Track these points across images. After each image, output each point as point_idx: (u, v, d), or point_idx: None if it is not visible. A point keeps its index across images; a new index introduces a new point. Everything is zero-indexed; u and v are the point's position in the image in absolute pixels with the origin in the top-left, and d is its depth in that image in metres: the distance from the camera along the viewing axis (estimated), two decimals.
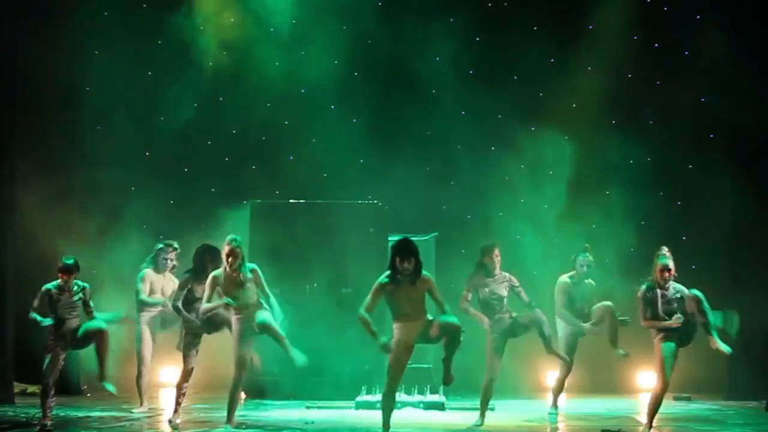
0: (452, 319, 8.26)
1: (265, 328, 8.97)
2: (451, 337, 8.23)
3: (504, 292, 9.87)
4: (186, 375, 9.85)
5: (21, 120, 12.31)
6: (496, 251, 9.97)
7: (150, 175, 13.69)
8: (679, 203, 13.78)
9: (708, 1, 13.48)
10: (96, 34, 13.60)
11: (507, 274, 9.98)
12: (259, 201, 12.80)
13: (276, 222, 12.52)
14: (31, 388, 12.38)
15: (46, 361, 9.30)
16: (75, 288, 9.39)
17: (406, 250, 8.28)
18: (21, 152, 12.30)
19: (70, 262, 9.43)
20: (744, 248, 13.10)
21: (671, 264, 8.99)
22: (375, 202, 12.75)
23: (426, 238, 12.75)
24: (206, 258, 9.83)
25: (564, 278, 10.52)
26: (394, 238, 12.41)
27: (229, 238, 9.11)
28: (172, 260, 10.65)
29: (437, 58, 13.79)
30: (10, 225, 11.87)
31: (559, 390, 10.45)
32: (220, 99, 13.93)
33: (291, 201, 12.97)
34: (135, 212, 13.47)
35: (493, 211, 13.69)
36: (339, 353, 11.98)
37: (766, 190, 13.03)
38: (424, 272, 8.37)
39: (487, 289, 9.85)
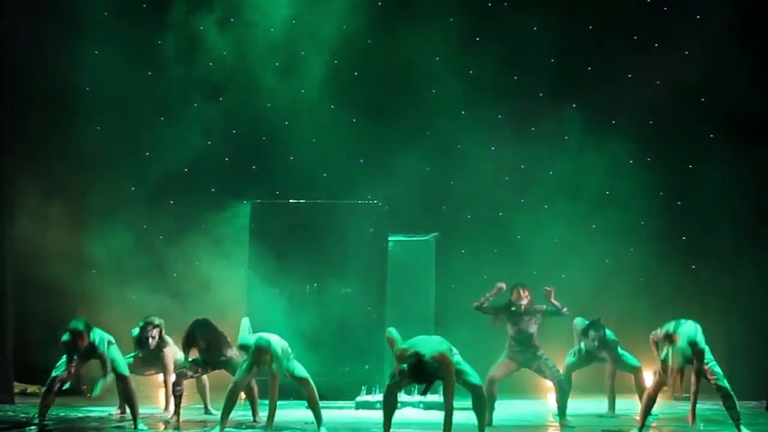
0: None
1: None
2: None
3: (533, 329, 9.87)
4: (180, 378, 9.89)
5: (19, 120, 12.30)
6: (520, 291, 9.90)
7: (150, 176, 13.68)
8: (679, 203, 13.78)
9: (708, 1, 13.47)
10: (96, 34, 13.59)
11: (535, 309, 9.91)
12: (259, 201, 12.79)
13: (276, 222, 12.51)
14: (31, 388, 12.38)
15: (61, 359, 9.26)
16: (99, 346, 9.20)
17: (419, 375, 8.15)
18: (20, 153, 12.29)
19: (79, 327, 9.16)
20: (745, 248, 13.09)
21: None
22: (375, 202, 12.75)
23: (426, 238, 12.76)
24: (196, 336, 9.83)
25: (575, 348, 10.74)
26: (394, 238, 12.53)
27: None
28: (154, 338, 10.58)
29: (437, 58, 13.79)
30: (10, 226, 11.85)
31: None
32: (220, 99, 13.93)
33: (291, 201, 12.96)
34: (135, 212, 13.48)
35: (493, 211, 13.69)
36: (339, 353, 11.99)
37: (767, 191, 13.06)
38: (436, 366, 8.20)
39: (516, 327, 9.87)
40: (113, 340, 9.39)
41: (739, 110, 13.02)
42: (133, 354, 10.60)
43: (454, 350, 8.54)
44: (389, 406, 8.47)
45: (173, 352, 10.65)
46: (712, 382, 8.89)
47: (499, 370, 9.94)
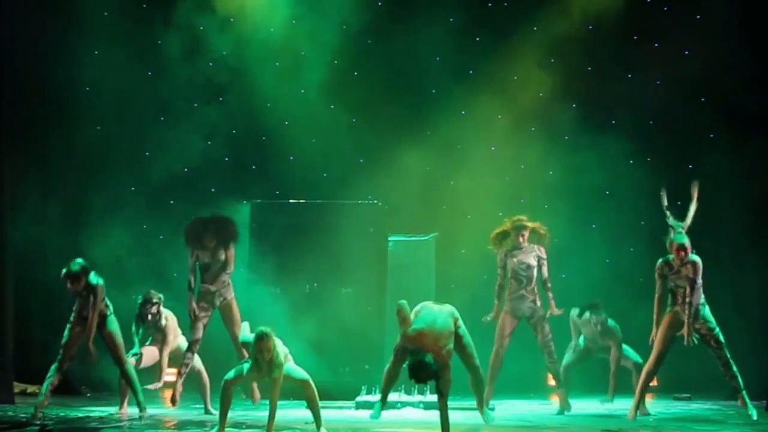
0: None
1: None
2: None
3: (533, 262, 10.03)
4: (191, 345, 10.13)
5: (19, 120, 12.31)
6: (525, 234, 10.09)
7: (150, 176, 13.68)
8: (679, 203, 13.75)
9: (708, 1, 13.46)
10: (96, 33, 13.58)
11: (535, 246, 10.13)
12: (259, 201, 12.80)
13: (276, 222, 12.52)
14: (31, 388, 12.37)
15: (65, 334, 9.56)
16: (91, 282, 9.54)
17: (418, 375, 8.16)
18: (20, 153, 12.29)
19: (75, 268, 9.47)
20: (745, 248, 13.10)
21: (687, 242, 8.93)
22: (375, 202, 12.75)
23: (426, 238, 12.76)
24: (200, 230, 10.14)
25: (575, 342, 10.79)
26: (394, 238, 12.53)
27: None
28: (153, 313, 10.68)
29: (437, 58, 13.79)
30: (9, 226, 11.84)
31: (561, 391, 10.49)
32: (221, 99, 13.93)
33: (291, 201, 12.97)
34: (135, 212, 13.48)
35: (493, 211, 13.68)
36: (339, 353, 12.00)
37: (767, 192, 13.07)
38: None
39: (515, 259, 10.03)
40: (111, 308, 9.57)
41: (739, 109, 13.03)
42: (134, 352, 10.59)
43: (460, 321, 8.57)
44: (389, 378, 8.49)
45: (173, 326, 10.75)
46: (715, 351, 8.90)
47: (503, 336, 10.03)
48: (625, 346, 10.86)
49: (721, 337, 8.94)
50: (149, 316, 10.64)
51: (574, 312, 10.98)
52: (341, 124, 13.72)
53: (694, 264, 8.89)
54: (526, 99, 13.67)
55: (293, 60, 13.82)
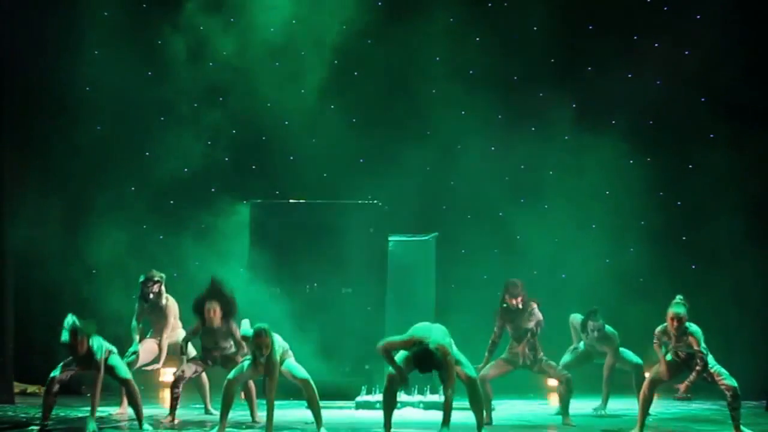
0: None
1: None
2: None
3: (531, 325, 9.91)
4: (178, 380, 9.94)
5: (19, 120, 12.31)
6: (513, 301, 9.96)
7: (150, 176, 13.68)
8: (678, 203, 13.78)
9: (708, 1, 13.46)
10: (96, 34, 13.58)
11: (528, 306, 9.97)
12: (259, 201, 12.80)
13: (276, 222, 12.52)
14: (31, 388, 12.39)
15: (60, 364, 9.29)
16: (96, 352, 9.12)
17: (424, 363, 8.29)
18: (20, 153, 12.29)
19: (79, 328, 9.06)
20: (744, 247, 13.09)
21: (684, 313, 8.92)
22: (375, 202, 12.75)
23: (426, 238, 12.76)
24: (203, 303, 9.92)
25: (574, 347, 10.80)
26: (394, 238, 12.53)
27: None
28: (155, 292, 10.64)
29: (437, 58, 13.79)
30: (10, 227, 11.85)
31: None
32: (220, 99, 13.92)
33: (291, 201, 12.97)
34: (134, 212, 13.48)
35: (493, 211, 13.69)
36: (339, 353, 12.00)
37: (767, 192, 13.06)
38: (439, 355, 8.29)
39: (513, 324, 9.98)
40: (114, 350, 9.39)
41: (739, 108, 13.03)
42: (133, 350, 10.56)
43: (451, 341, 8.60)
44: (389, 403, 8.52)
45: (175, 310, 10.72)
46: (720, 383, 8.89)
47: (493, 370, 10.01)
48: (622, 349, 10.84)
49: (723, 369, 8.94)
50: (150, 295, 10.60)
51: (573, 317, 10.95)
52: (341, 124, 13.72)
53: (694, 335, 8.90)
54: (525, 99, 13.67)
55: (293, 60, 13.82)
